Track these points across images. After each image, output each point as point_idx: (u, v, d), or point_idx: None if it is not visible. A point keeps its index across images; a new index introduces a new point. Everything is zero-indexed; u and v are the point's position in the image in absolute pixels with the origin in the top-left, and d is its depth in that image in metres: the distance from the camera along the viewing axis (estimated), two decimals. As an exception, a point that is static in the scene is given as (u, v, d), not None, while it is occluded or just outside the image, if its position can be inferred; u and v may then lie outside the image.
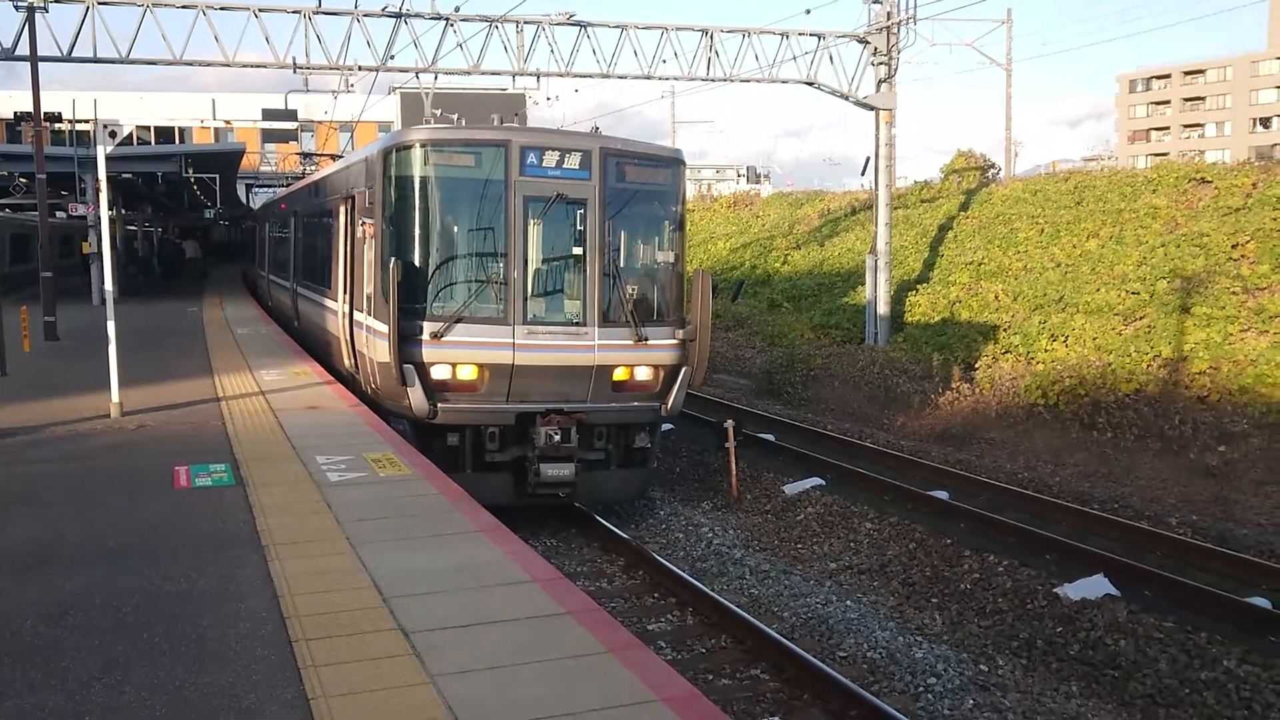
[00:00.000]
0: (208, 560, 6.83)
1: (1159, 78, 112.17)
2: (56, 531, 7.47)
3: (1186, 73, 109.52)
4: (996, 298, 27.98)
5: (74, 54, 24.11)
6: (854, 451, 18.00)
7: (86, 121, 25.82)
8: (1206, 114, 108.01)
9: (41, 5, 21.57)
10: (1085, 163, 63.07)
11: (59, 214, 34.98)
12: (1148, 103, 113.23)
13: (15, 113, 25.72)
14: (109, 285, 12.67)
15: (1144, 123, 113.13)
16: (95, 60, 24.42)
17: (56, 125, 25.20)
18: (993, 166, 41.68)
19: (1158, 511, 14.31)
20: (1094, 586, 10.99)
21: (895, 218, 31.51)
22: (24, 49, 22.13)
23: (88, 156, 24.74)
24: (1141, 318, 22.90)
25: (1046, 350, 23.61)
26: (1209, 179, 28.28)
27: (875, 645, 9.99)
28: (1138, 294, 23.95)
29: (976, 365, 24.30)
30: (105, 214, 12.57)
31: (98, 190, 13.07)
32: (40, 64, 21.75)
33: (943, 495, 14.82)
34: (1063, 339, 23.73)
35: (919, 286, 31.39)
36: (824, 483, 15.49)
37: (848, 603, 11.19)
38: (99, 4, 23.95)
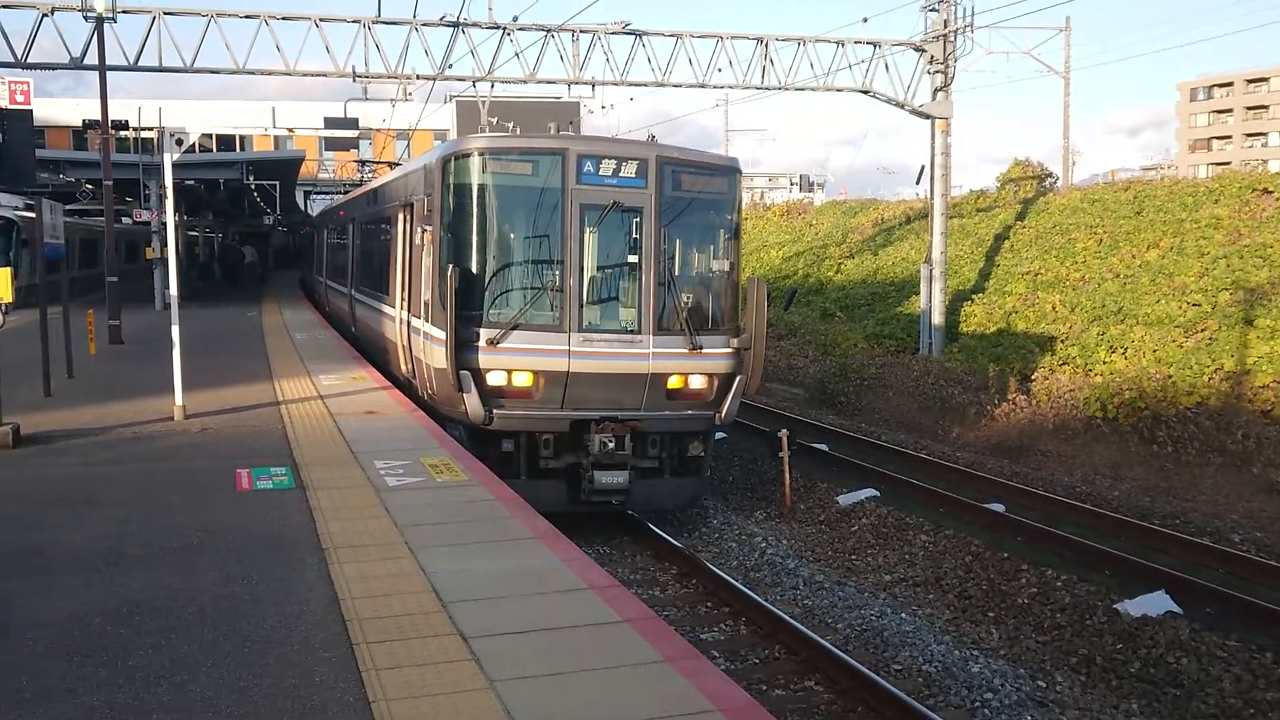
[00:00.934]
0: (269, 562, 6.93)
1: (1221, 85, 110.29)
2: (123, 532, 7.61)
3: (1249, 80, 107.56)
4: (1054, 308, 27.64)
5: (140, 63, 24.64)
6: (909, 463, 17.85)
7: (151, 129, 26.34)
8: (1270, 122, 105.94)
9: (110, 16, 22.02)
10: (1145, 172, 62.13)
11: (124, 219, 35.72)
12: (1209, 111, 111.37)
13: (83, 120, 26.26)
14: (173, 290, 12.88)
15: (1205, 131, 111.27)
16: (160, 69, 24.93)
17: (122, 133, 25.76)
18: (1050, 176, 41.21)
19: (1220, 528, 14.06)
20: (1155, 603, 10.81)
21: (950, 227, 31.26)
22: (92, 58, 22.63)
23: (152, 163, 25.25)
24: (1203, 330, 22.51)
25: (1105, 362, 23.28)
26: (1272, 189, 27.75)
27: (931, 659, 9.91)
28: (1199, 306, 23.55)
29: (1033, 377, 24.02)
30: (171, 220, 12.81)
31: (162, 196, 13.33)
32: (108, 73, 22.22)
33: (999, 508, 14.66)
34: (1122, 351, 23.39)
35: (974, 296, 31.10)
36: (879, 494, 15.38)
37: (903, 615, 11.11)
38: (165, 14, 24.45)
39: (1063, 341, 25.44)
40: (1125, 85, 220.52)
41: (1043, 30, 36.35)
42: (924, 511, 14.62)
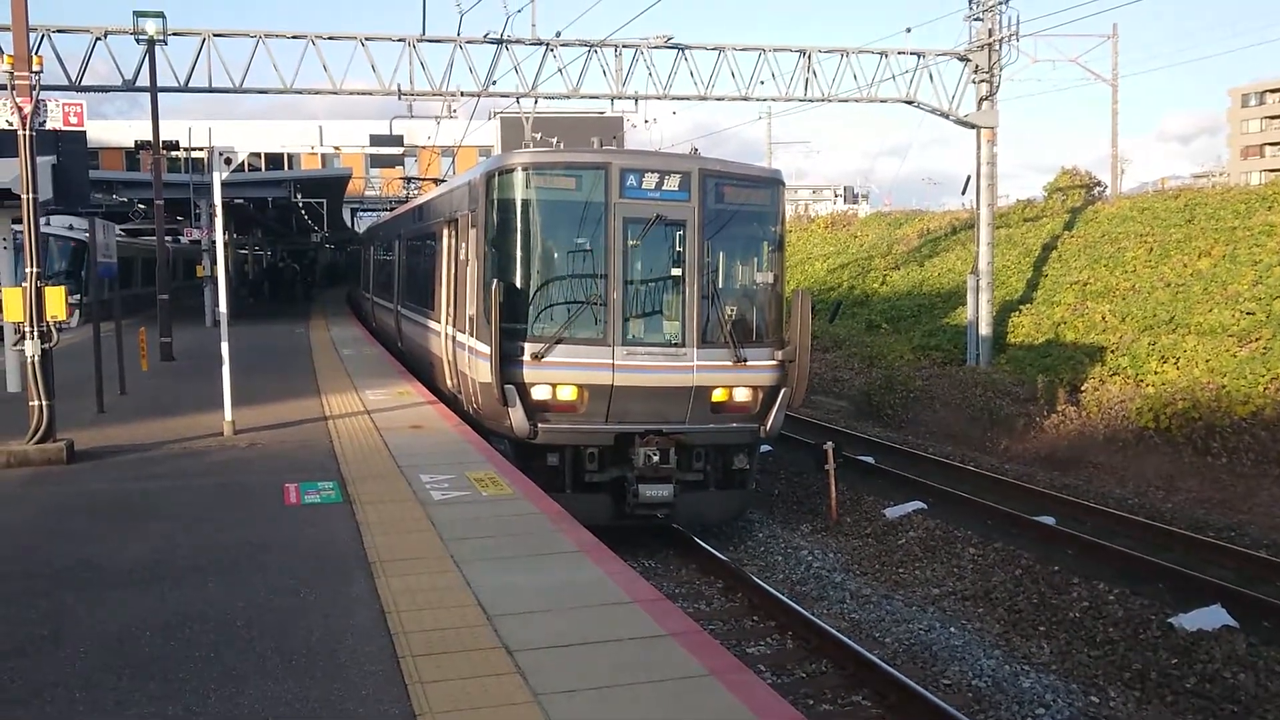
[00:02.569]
0: (317, 576, 6.97)
1: (1273, 91, 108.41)
2: (173, 546, 7.70)
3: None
4: (1103, 318, 27.29)
5: (190, 84, 25.07)
6: (956, 475, 17.68)
7: (201, 149, 26.76)
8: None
9: (161, 38, 22.42)
10: (1195, 180, 61.25)
11: (181, 239, 36.33)
12: (1261, 117, 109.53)
13: (135, 141, 26.77)
14: (223, 307, 13.05)
15: (1258, 138, 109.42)
16: (210, 90, 25.36)
17: (173, 153, 26.23)
18: (1098, 184, 40.72)
19: (1278, 540, 13.77)
20: (1211, 617, 10.61)
21: (997, 237, 31.00)
22: (144, 80, 23.05)
23: (202, 182, 25.62)
24: (1257, 339, 22.12)
25: (1156, 372, 22.94)
26: (1329, 195, 27.26)
27: (980, 673, 9.78)
28: (1253, 314, 23.15)
29: (1083, 387, 23.71)
30: (220, 238, 12.98)
31: (212, 215, 13.52)
32: (159, 94, 22.62)
33: (1049, 521, 14.47)
34: (1173, 361, 23.04)
35: (1022, 307, 30.79)
36: (926, 506, 15.24)
37: (951, 629, 10.98)
38: (214, 36, 24.86)
39: (1113, 351, 25.11)
40: (1177, 91, 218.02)
41: (1089, 38, 35.98)
42: (972, 524, 14.46)
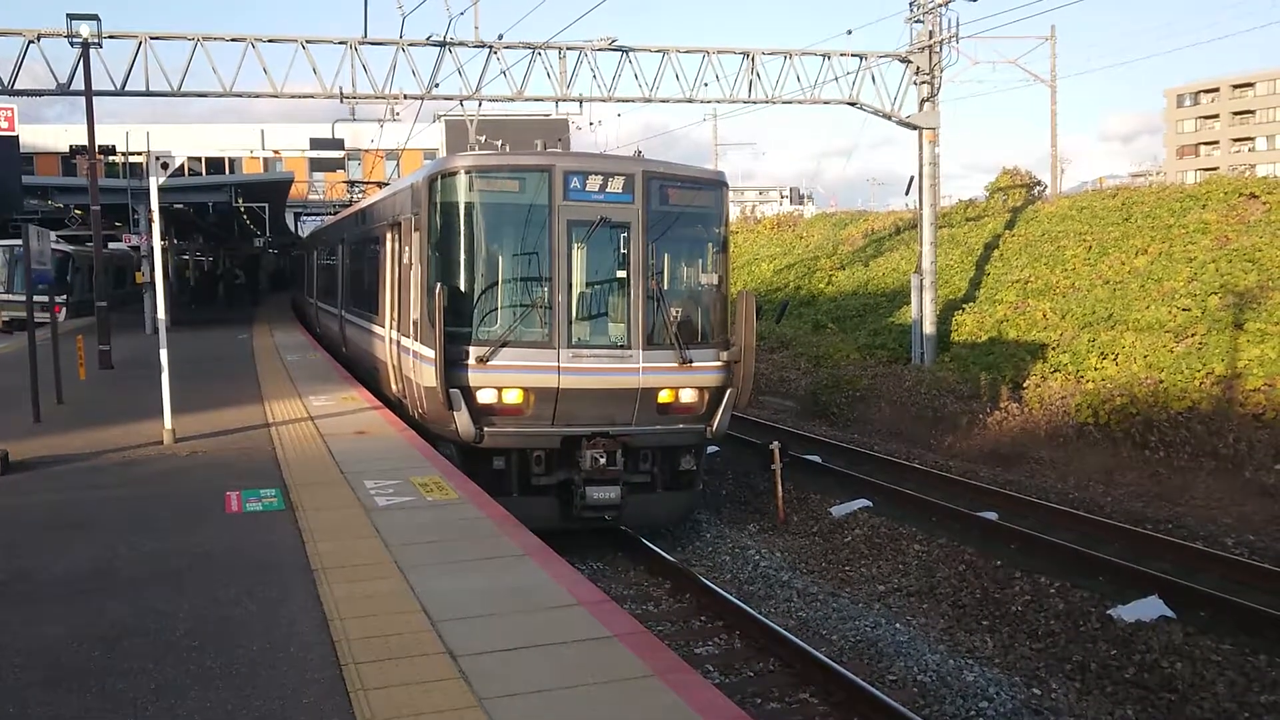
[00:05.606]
0: (258, 584, 6.90)
1: (1207, 91, 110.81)
2: (111, 556, 7.59)
3: (1235, 86, 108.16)
4: (1044, 316, 27.70)
5: (127, 88, 24.63)
6: (901, 472, 17.85)
7: (139, 154, 26.34)
8: (1257, 127, 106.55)
9: (95, 41, 22.04)
10: (1133, 179, 62.38)
11: (130, 246, 36.16)
12: (1196, 117, 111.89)
13: (71, 146, 26.24)
14: (161, 314, 12.87)
15: (1193, 137, 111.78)
16: (148, 94, 24.91)
17: (110, 158, 25.77)
18: (1039, 184, 41.31)
19: (1213, 532, 14.06)
20: (1148, 608, 10.82)
21: (940, 237, 31.34)
22: (80, 84, 22.63)
23: (141, 188, 25.23)
24: (1193, 334, 22.56)
25: (1096, 369, 23.32)
26: (1259, 194, 27.87)
27: (925, 668, 9.90)
28: (1189, 310, 23.62)
29: (1025, 384, 24.05)
30: (158, 244, 12.81)
31: (150, 221, 13.35)
32: (95, 98, 22.24)
33: (992, 516, 14.66)
34: (1112, 357, 23.43)
35: (965, 306, 31.16)
36: (871, 504, 15.38)
37: (897, 625, 11.10)
38: (151, 39, 24.47)
39: (1054, 349, 25.48)
40: (1117, 92, 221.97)
41: (1028, 40, 36.55)
42: (917, 521, 14.62)
